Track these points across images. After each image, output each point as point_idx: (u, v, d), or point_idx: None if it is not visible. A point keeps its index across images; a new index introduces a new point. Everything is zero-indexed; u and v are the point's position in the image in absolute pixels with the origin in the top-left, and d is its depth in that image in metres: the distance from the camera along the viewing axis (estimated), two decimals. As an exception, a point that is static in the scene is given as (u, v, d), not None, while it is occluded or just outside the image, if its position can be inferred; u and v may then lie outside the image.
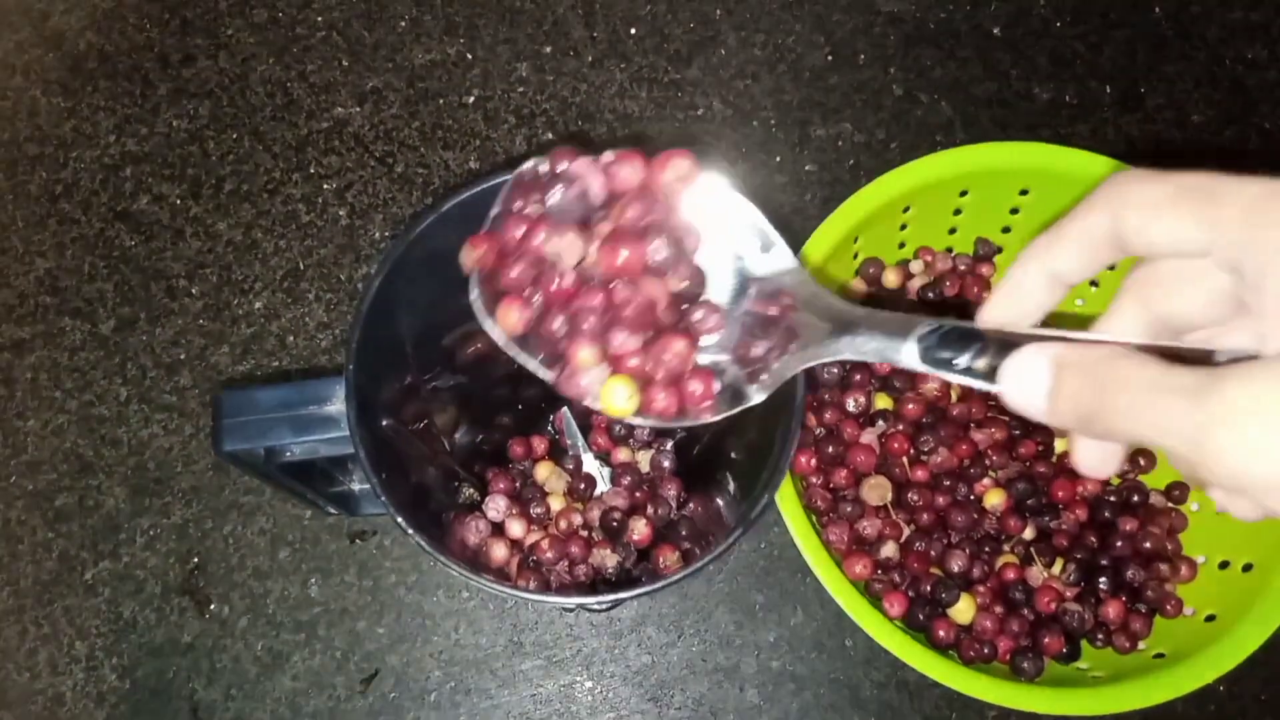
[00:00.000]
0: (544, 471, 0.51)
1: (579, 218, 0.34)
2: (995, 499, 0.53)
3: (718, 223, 0.36)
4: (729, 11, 0.68)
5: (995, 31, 0.68)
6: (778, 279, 0.36)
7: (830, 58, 0.67)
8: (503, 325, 0.33)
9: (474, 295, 0.34)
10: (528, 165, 0.35)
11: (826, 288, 0.35)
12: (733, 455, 0.46)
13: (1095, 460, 0.27)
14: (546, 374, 0.34)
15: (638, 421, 0.34)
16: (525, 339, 0.34)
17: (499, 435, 0.53)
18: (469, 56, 0.67)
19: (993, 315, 0.28)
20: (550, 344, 0.34)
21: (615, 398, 0.33)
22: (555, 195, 0.34)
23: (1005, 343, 0.27)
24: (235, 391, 0.38)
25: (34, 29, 0.67)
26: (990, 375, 0.27)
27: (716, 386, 0.35)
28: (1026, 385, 0.24)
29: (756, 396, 0.34)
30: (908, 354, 0.29)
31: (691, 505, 0.50)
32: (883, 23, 0.68)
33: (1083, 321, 0.30)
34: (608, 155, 0.34)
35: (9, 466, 0.58)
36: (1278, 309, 0.23)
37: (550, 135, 0.65)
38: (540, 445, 0.54)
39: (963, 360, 0.27)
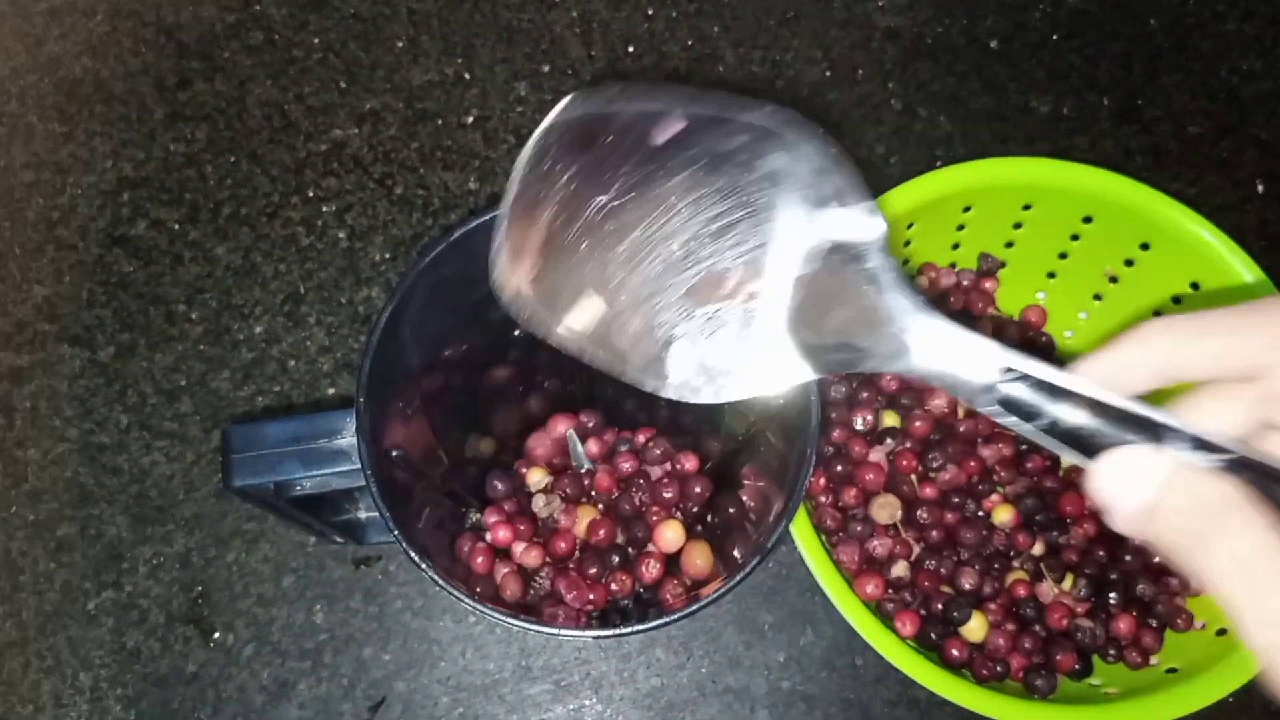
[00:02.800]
0: (552, 497, 0.51)
1: None
2: (1004, 515, 0.53)
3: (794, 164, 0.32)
4: (727, 29, 0.68)
5: (992, 45, 0.68)
6: (855, 247, 0.31)
7: (828, 73, 0.67)
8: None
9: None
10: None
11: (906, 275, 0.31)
12: (745, 482, 0.46)
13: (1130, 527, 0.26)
14: None
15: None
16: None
17: (507, 459, 0.53)
18: (467, 76, 0.67)
19: (1091, 373, 0.26)
20: None
21: None
22: None
23: (1100, 407, 0.24)
24: (244, 426, 0.37)
25: (29, 55, 0.67)
26: (1071, 441, 0.24)
27: None
28: (1124, 487, 0.23)
29: (808, 375, 0.31)
30: (984, 397, 0.26)
31: (710, 517, 0.49)
32: (880, 38, 0.68)
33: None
34: None
35: (9, 496, 0.58)
36: None
37: (550, 155, 0.65)
38: (547, 467, 0.53)
39: (1045, 418, 0.25)
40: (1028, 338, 0.58)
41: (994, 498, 0.54)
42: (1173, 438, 0.23)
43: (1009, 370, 0.26)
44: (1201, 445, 0.23)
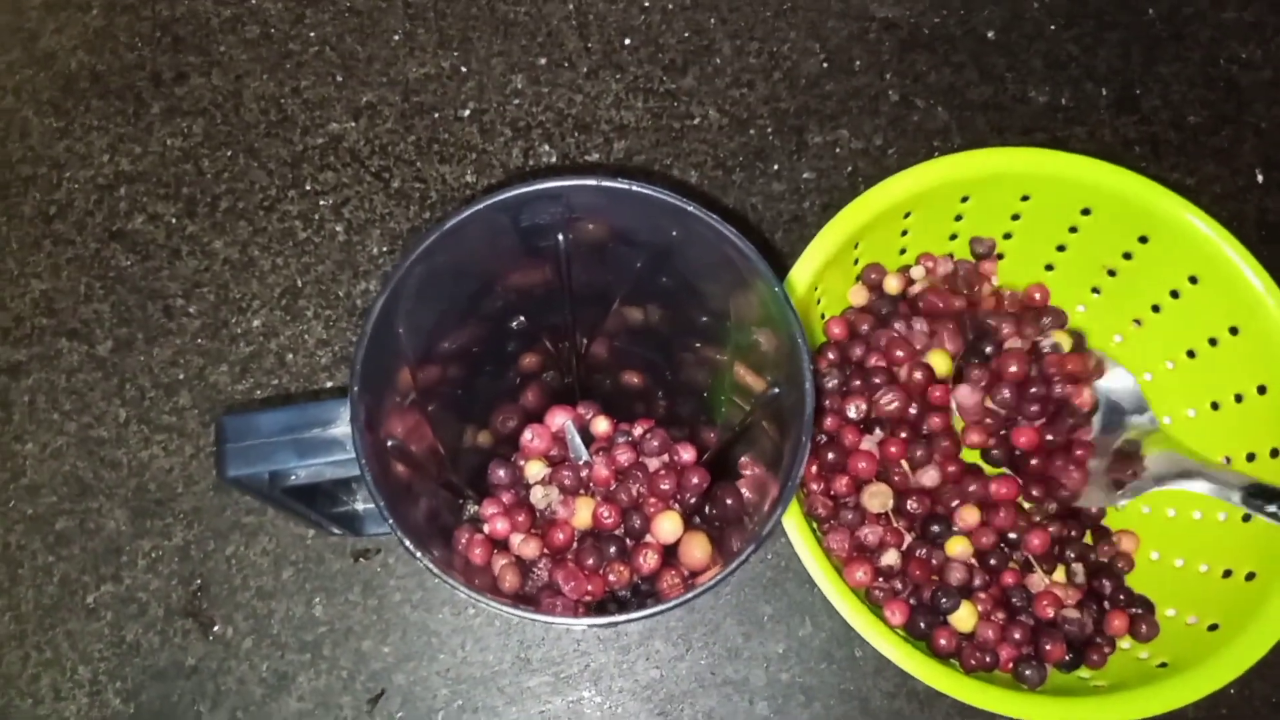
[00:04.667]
0: (550, 488, 0.51)
1: None
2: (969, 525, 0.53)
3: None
4: (723, 20, 0.68)
5: (989, 35, 0.68)
6: (1141, 439, 0.52)
7: (826, 65, 0.67)
8: None
9: None
10: None
11: (1178, 449, 0.50)
12: (742, 471, 0.46)
13: None
14: None
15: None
16: None
17: (503, 450, 0.53)
18: (463, 70, 0.67)
19: None
20: None
21: None
22: None
23: None
24: (237, 416, 0.37)
25: (24, 49, 0.67)
26: None
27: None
28: None
29: (1120, 502, 0.51)
30: (1236, 498, 0.44)
31: (708, 509, 0.49)
32: (877, 29, 0.68)
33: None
34: None
35: (8, 490, 0.58)
36: None
37: (547, 147, 0.65)
38: (545, 459, 0.53)
39: (1272, 508, 0.42)
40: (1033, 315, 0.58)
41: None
42: None
43: (1250, 488, 0.45)
44: None
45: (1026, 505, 0.55)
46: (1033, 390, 0.53)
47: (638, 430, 0.53)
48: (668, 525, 0.47)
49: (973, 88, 0.67)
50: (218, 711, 0.54)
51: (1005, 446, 0.55)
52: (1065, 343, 0.54)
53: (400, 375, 0.40)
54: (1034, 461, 0.54)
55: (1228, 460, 0.51)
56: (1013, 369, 0.53)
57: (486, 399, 0.50)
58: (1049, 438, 0.54)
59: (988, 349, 0.55)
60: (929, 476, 0.53)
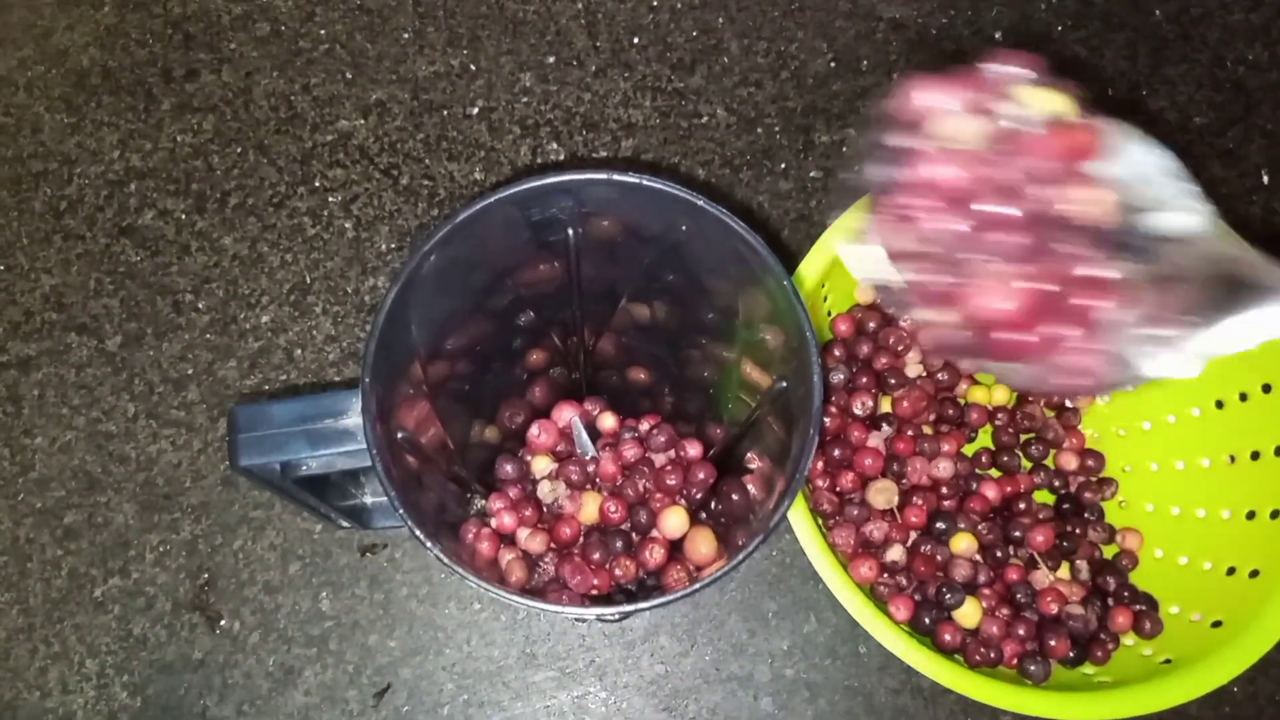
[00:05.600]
0: (557, 483, 0.51)
1: None
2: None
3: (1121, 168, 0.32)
4: (731, 19, 0.68)
5: (996, 36, 0.68)
6: (1189, 240, 0.32)
7: (833, 64, 0.67)
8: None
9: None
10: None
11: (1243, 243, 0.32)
12: (749, 467, 0.46)
13: None
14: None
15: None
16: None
17: (511, 445, 0.53)
18: (472, 68, 0.67)
19: None
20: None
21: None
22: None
23: None
24: (250, 406, 0.37)
25: (37, 46, 0.67)
26: None
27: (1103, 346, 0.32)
28: None
29: (1169, 370, 0.31)
30: None
31: (714, 504, 0.50)
32: (885, 29, 0.68)
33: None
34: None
35: (17, 484, 0.58)
36: None
37: (555, 145, 0.65)
38: (552, 454, 0.53)
39: None
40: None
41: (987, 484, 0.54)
42: None
43: None
44: None
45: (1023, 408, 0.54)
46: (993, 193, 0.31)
47: (644, 426, 0.53)
48: (674, 520, 0.47)
49: (979, 88, 0.67)
50: (224, 705, 0.55)
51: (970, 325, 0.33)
52: (1046, 105, 0.32)
53: (411, 368, 0.40)
54: (1012, 337, 0.32)
55: (1232, 459, 0.51)
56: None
57: (494, 394, 0.51)
58: (1036, 286, 0.31)
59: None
60: (943, 468, 0.53)
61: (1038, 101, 0.31)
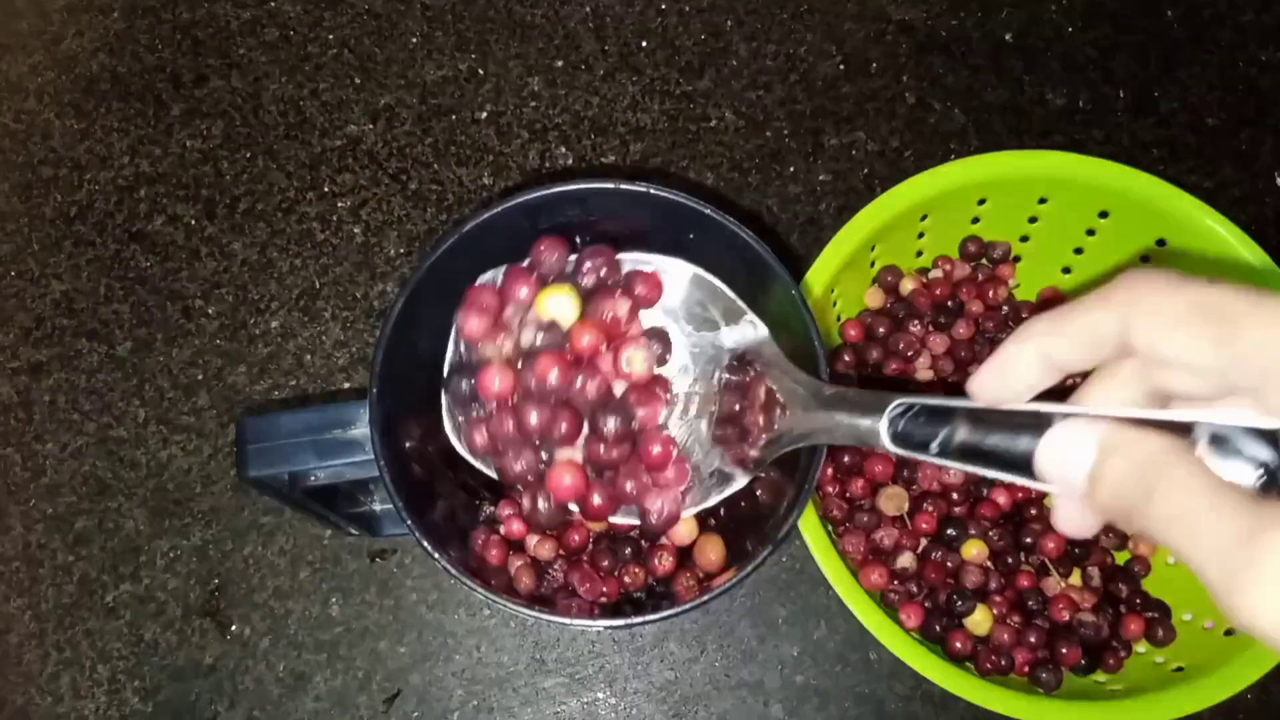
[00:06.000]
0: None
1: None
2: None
3: (684, 300, 0.40)
4: (740, 22, 0.68)
5: (1007, 38, 0.68)
6: (751, 347, 0.39)
7: (842, 67, 0.67)
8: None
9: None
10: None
11: (794, 365, 0.37)
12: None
13: (1075, 523, 0.26)
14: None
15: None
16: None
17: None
18: (480, 72, 0.67)
19: (981, 390, 0.27)
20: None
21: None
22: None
23: (979, 419, 0.26)
24: (258, 417, 0.38)
25: (47, 52, 0.67)
26: (963, 455, 0.26)
27: (688, 469, 0.40)
28: (1067, 461, 0.23)
29: (741, 480, 0.39)
30: (883, 437, 0.29)
31: (723, 511, 0.49)
32: (894, 31, 0.68)
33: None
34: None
35: (28, 490, 0.58)
36: None
37: (563, 149, 0.65)
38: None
39: (936, 444, 0.26)
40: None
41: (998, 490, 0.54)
42: (1052, 413, 0.24)
43: (899, 405, 0.28)
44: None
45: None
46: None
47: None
48: (683, 528, 0.47)
49: (990, 90, 0.67)
50: (235, 710, 0.55)
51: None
52: (556, 311, 0.39)
53: (418, 376, 0.40)
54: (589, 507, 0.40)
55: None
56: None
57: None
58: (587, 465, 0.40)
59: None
60: (954, 474, 0.53)
61: (551, 309, 0.38)
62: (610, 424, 0.37)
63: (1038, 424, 0.25)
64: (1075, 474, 0.23)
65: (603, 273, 0.39)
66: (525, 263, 0.39)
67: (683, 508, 0.40)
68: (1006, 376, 0.26)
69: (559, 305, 0.38)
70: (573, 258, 0.40)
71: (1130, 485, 0.22)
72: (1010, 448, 0.25)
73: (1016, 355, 0.26)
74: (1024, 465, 0.25)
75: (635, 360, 0.39)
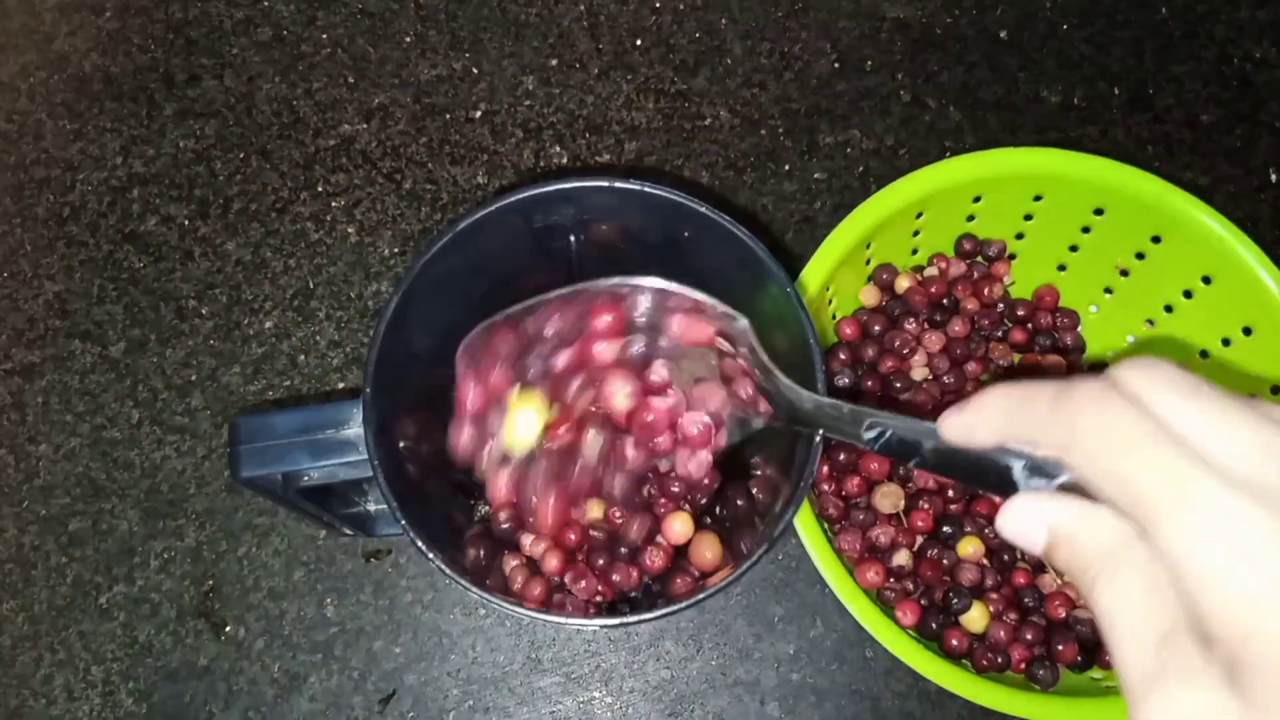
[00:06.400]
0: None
1: None
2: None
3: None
4: (734, 21, 0.68)
5: (1002, 35, 0.68)
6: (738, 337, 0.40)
7: (837, 65, 0.67)
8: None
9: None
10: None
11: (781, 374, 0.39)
12: (754, 472, 0.46)
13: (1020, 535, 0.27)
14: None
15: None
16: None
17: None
18: (475, 71, 0.67)
19: (949, 431, 0.28)
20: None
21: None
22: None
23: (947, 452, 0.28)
24: (251, 417, 0.37)
25: (39, 52, 0.67)
26: (939, 471, 0.29)
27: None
28: (1022, 535, 0.25)
29: (757, 422, 0.41)
30: (866, 445, 0.32)
31: (719, 509, 0.49)
32: (889, 29, 0.68)
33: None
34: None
35: (21, 491, 0.58)
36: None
37: (558, 148, 0.65)
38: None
39: (913, 461, 0.30)
40: (1038, 321, 0.57)
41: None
42: (1011, 457, 0.26)
43: (873, 428, 0.32)
44: (1038, 470, 0.25)
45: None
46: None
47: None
48: (678, 526, 0.47)
49: (985, 87, 0.67)
50: (230, 712, 0.55)
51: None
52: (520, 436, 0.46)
53: (412, 376, 0.40)
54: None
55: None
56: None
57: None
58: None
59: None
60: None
61: (520, 427, 0.44)
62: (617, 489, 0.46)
63: (998, 468, 0.26)
64: (1031, 545, 0.25)
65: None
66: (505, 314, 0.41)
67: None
68: (971, 430, 0.27)
69: (525, 423, 0.43)
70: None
71: (1075, 573, 0.24)
72: (979, 477, 0.27)
73: (980, 418, 0.27)
74: (994, 489, 0.26)
75: (618, 396, 0.44)
